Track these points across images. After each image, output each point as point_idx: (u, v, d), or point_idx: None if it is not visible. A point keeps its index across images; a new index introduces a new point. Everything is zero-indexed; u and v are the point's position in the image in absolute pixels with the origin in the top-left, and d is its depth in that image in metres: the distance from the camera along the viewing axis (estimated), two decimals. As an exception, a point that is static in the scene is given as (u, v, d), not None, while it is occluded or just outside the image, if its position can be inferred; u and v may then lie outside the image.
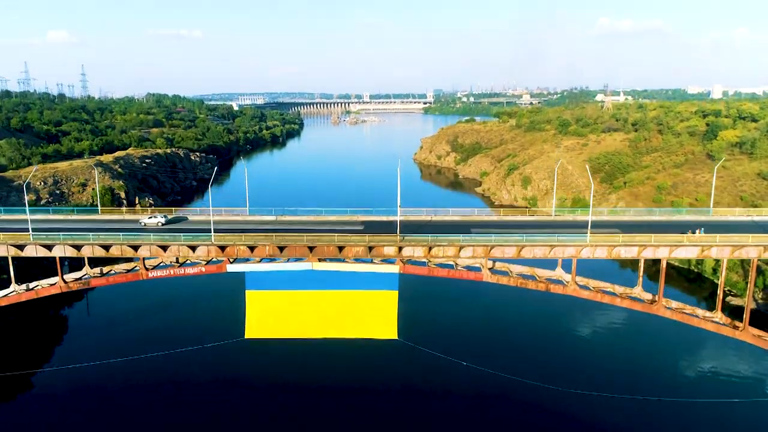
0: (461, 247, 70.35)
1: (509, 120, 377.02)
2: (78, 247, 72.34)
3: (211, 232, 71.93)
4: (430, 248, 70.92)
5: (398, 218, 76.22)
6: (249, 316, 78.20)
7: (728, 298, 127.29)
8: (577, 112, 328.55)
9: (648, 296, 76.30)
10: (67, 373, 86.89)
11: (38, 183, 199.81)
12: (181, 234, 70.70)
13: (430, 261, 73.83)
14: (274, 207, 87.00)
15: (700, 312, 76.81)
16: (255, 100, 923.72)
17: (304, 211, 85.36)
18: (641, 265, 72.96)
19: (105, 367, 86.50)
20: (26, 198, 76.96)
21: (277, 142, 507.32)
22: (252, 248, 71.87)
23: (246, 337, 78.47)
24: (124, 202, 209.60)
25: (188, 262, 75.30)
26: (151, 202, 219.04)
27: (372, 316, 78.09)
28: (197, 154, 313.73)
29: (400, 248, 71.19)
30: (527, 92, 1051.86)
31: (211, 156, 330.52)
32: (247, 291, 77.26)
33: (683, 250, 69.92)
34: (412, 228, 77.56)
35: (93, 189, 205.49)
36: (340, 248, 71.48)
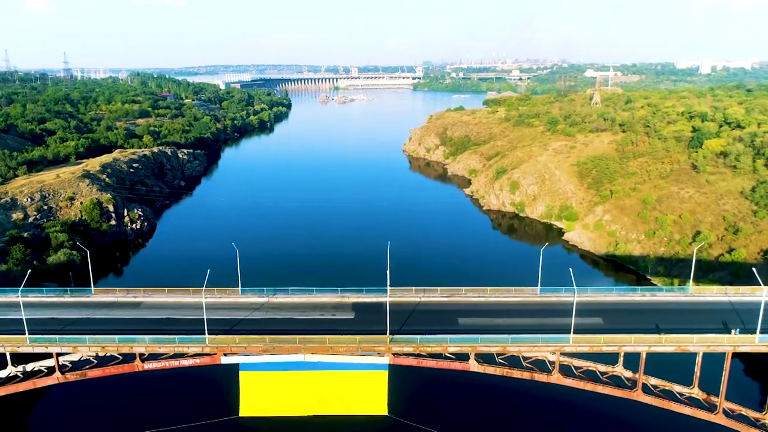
0: (448, 346, 73.06)
1: (498, 109, 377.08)
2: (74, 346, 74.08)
3: (204, 329, 73.71)
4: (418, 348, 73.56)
5: (387, 299, 78.32)
6: (243, 395, 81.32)
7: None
8: (565, 107, 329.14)
9: (629, 374, 79.56)
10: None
11: (25, 199, 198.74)
12: (176, 336, 72.36)
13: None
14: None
15: (677, 388, 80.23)
16: (241, 76, 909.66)
17: (295, 290, 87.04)
18: (621, 355, 75.99)
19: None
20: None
21: (265, 127, 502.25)
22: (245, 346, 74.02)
23: (240, 415, 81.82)
24: (113, 215, 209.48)
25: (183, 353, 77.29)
26: (140, 213, 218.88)
27: (363, 394, 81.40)
28: (184, 150, 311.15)
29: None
30: (517, 66, 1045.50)
31: (199, 151, 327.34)
32: (241, 371, 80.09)
33: (661, 347, 72.94)
34: (401, 314, 79.71)
35: (81, 203, 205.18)
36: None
